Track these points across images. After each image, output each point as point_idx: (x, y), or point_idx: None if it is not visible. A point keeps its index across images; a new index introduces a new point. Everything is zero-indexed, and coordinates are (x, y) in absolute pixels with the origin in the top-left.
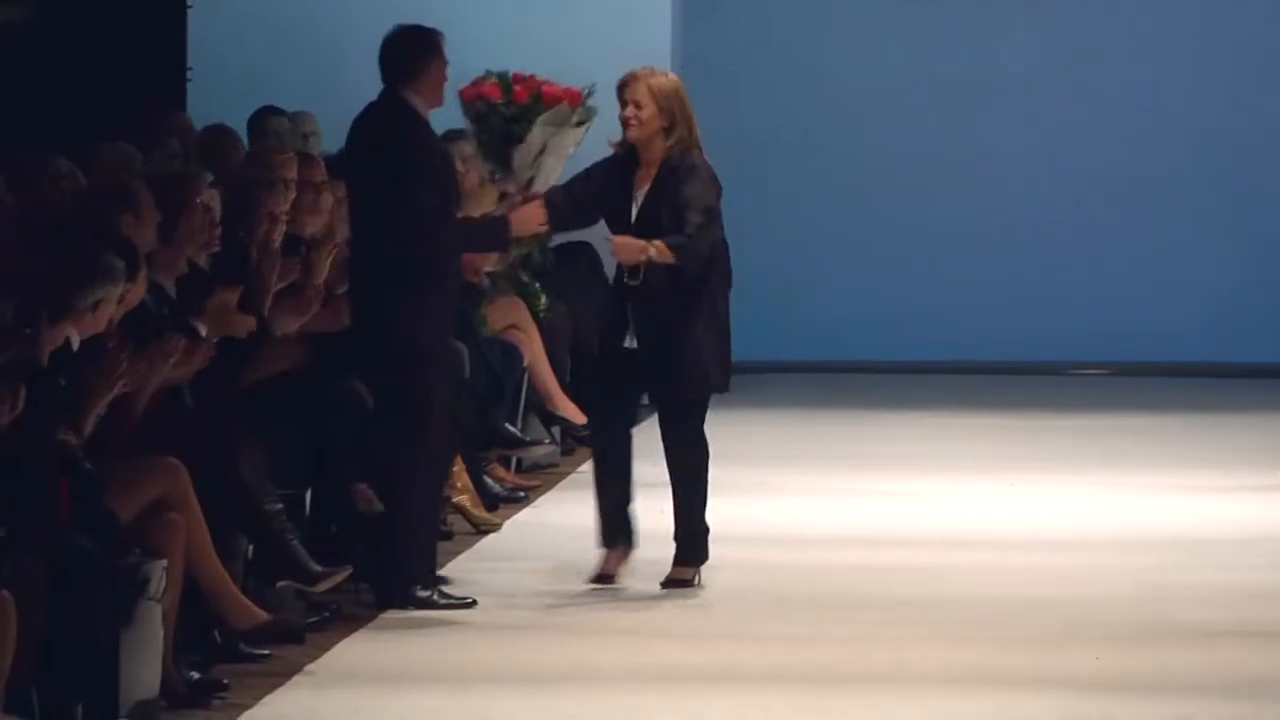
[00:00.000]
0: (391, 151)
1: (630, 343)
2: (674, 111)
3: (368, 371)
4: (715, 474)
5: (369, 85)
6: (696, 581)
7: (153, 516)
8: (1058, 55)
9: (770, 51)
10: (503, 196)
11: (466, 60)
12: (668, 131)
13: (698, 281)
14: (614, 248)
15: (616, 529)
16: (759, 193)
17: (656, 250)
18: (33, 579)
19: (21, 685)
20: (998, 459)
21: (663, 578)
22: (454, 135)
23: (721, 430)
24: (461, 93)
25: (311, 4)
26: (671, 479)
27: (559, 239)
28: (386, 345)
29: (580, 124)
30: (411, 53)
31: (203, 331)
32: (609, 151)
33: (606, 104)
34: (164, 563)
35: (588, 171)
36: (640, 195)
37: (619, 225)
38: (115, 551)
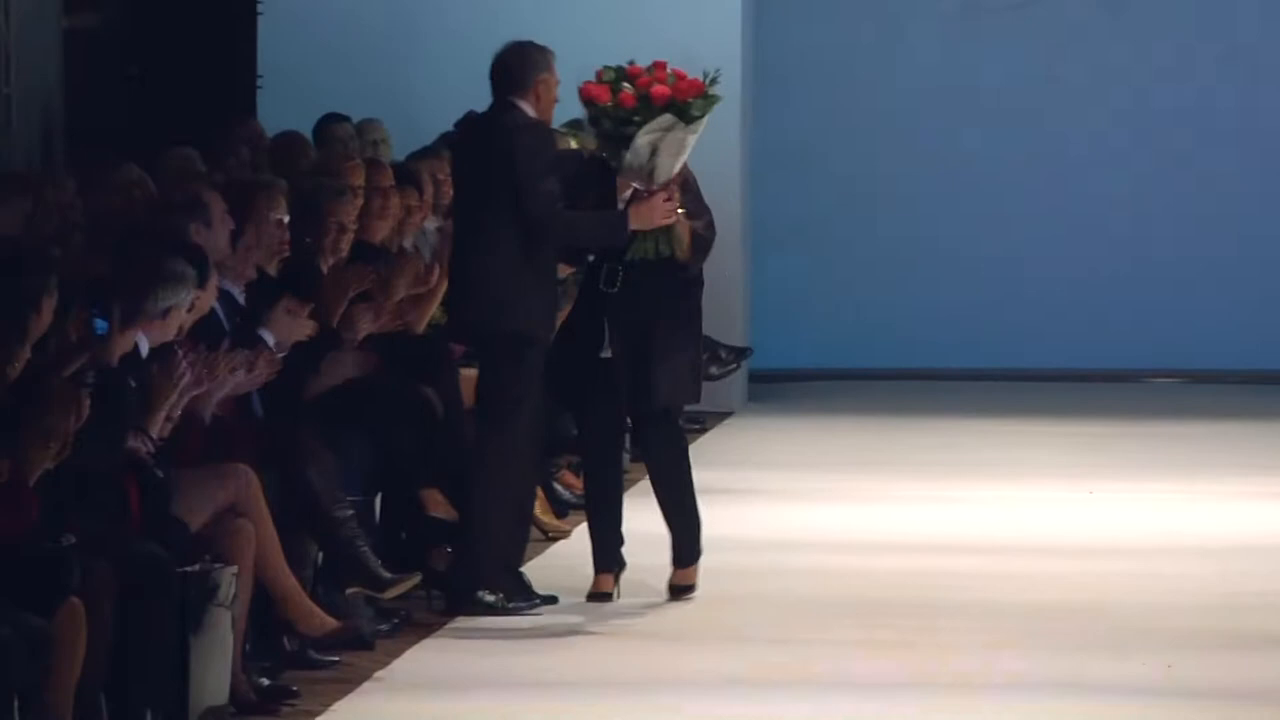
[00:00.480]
0: (504, 148)
1: (607, 352)
2: None
3: (436, 374)
4: (784, 481)
5: (438, 93)
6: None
7: (222, 523)
8: (1136, 60)
9: (839, 59)
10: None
11: None
12: None
13: (687, 287)
14: (652, 200)
15: (611, 552)
16: (827, 198)
17: (681, 221)
18: (103, 585)
19: (91, 691)
20: (1065, 466)
21: (666, 584)
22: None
23: (782, 436)
24: (580, 89)
25: (383, 13)
26: (657, 484)
27: None
28: (493, 339)
29: (697, 118)
30: (520, 68)
31: (270, 340)
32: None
33: (723, 93)
34: (234, 569)
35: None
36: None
37: None
38: (185, 558)
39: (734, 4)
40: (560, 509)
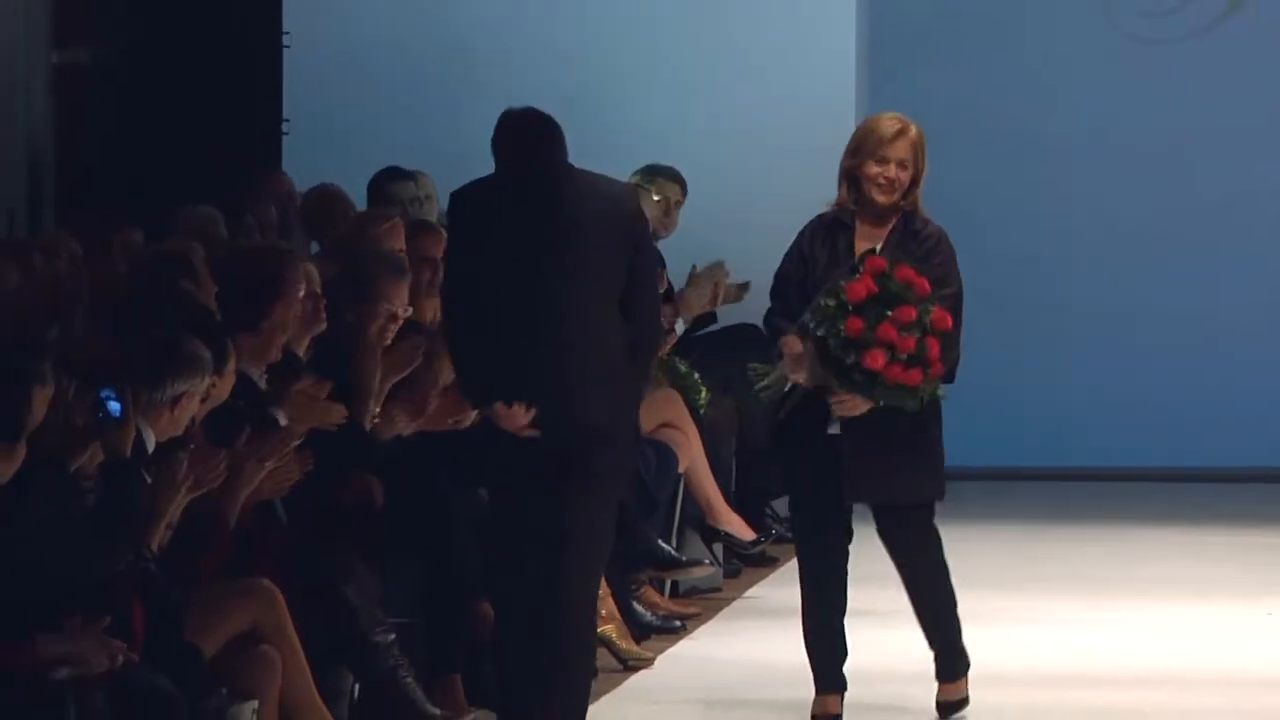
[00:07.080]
0: (619, 224)
1: (834, 428)
2: (919, 165)
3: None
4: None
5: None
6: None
7: (242, 649)
8: None
9: (974, 109)
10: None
11: (636, 115)
12: (910, 188)
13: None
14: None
15: (834, 668)
16: (984, 268)
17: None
18: None
19: None
20: (1245, 583)
21: (935, 702)
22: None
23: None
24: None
25: (432, 44)
26: (911, 593)
27: (722, 319)
28: (616, 439)
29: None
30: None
31: (282, 420)
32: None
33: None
34: (254, 704)
35: (800, 255)
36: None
37: None
38: (198, 691)
39: (847, 47)
40: (640, 632)
